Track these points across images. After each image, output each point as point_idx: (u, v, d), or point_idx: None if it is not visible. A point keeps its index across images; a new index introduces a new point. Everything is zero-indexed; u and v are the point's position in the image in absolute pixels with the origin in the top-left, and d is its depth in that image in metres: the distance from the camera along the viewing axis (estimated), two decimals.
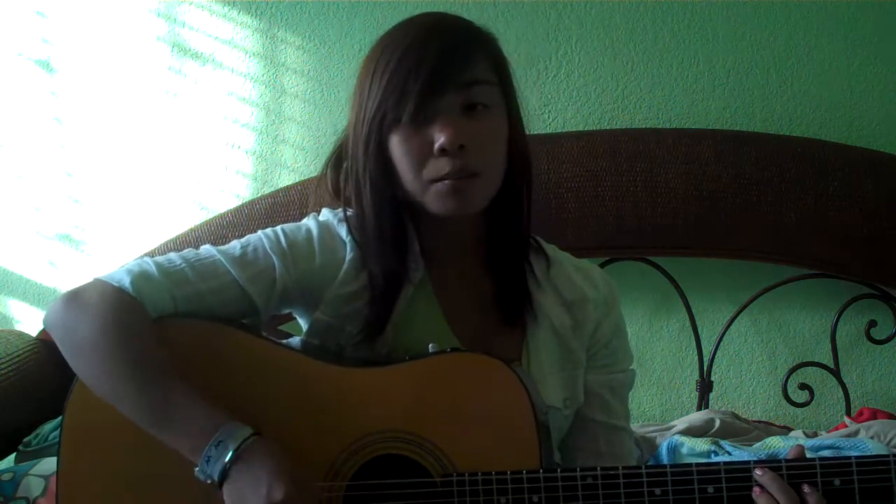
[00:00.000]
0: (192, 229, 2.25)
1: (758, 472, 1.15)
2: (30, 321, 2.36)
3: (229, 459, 1.08)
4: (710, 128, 2.24)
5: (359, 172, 1.23)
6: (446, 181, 1.18)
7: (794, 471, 1.16)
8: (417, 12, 2.27)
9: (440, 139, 1.16)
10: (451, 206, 1.20)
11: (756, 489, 1.15)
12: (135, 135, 2.34)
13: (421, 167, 1.18)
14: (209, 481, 1.10)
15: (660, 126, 2.27)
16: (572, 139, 2.17)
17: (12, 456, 1.99)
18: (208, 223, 2.24)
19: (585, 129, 2.26)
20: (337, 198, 1.31)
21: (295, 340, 1.31)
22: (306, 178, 2.26)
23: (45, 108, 2.35)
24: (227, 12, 2.31)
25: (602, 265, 2.17)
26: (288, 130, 2.33)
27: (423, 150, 1.18)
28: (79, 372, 1.18)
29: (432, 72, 1.16)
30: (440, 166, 1.17)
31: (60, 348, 1.19)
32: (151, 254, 2.09)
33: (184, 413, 1.12)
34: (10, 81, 2.35)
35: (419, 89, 1.16)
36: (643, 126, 2.27)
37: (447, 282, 1.30)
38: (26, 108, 2.35)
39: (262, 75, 2.32)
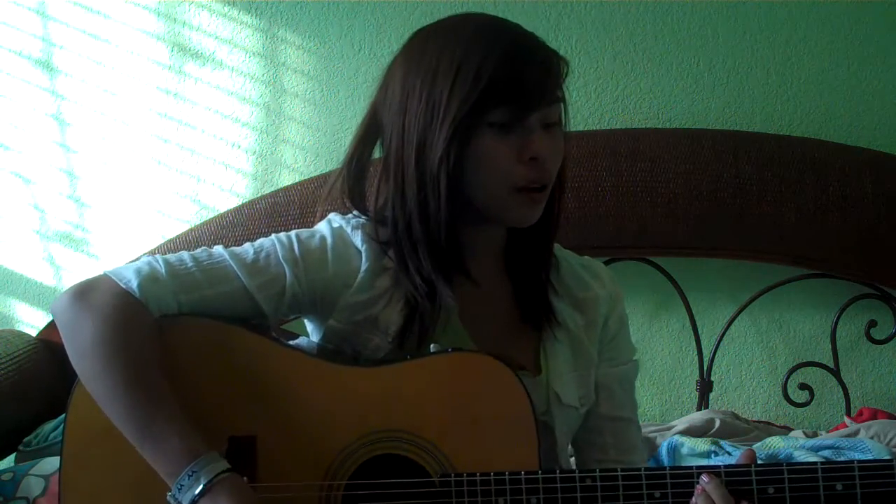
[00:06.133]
0: (192, 229, 2.26)
1: (704, 478, 1.15)
2: (30, 321, 2.37)
3: (199, 492, 1.10)
4: (710, 128, 2.24)
5: (430, 173, 1.20)
6: (532, 192, 1.20)
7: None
8: (417, 13, 2.30)
9: (535, 149, 1.18)
10: (530, 217, 1.23)
11: (698, 487, 1.15)
12: (135, 134, 2.34)
13: (507, 173, 1.19)
14: None
15: (660, 126, 2.27)
16: (572, 139, 2.15)
17: (12, 456, 1.99)
18: (208, 223, 2.24)
19: (585, 129, 2.26)
20: (353, 203, 1.30)
21: (303, 341, 1.31)
22: (306, 177, 2.26)
23: (45, 108, 2.35)
24: (228, 11, 2.31)
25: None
26: (288, 130, 2.33)
27: (510, 158, 1.19)
28: (76, 369, 1.19)
29: (536, 86, 1.18)
30: (527, 174, 1.19)
31: (63, 341, 1.20)
32: (152, 253, 2.09)
33: (165, 437, 1.13)
34: (10, 81, 2.35)
35: (522, 101, 1.17)
36: (643, 126, 2.27)
37: (464, 287, 1.28)
38: (26, 108, 2.35)
39: (263, 75, 2.32)
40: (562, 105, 1.24)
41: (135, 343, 1.16)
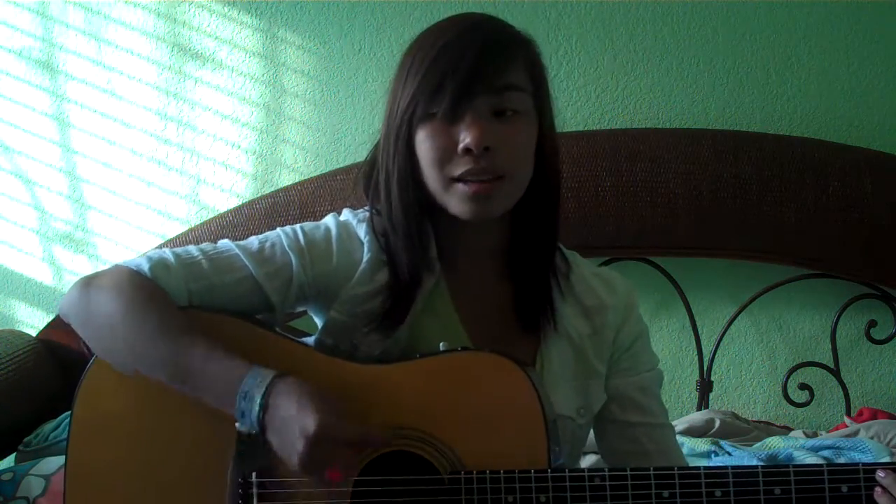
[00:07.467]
0: (191, 229, 2.26)
1: (880, 473, 1.14)
2: (30, 321, 2.37)
3: (257, 414, 1.09)
4: (710, 128, 2.24)
5: (388, 165, 1.23)
6: (470, 183, 1.18)
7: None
8: (417, 12, 2.30)
9: (466, 139, 1.16)
10: (473, 210, 1.19)
11: (877, 490, 1.14)
12: (135, 135, 2.34)
13: (444, 164, 1.18)
14: (254, 432, 1.11)
15: (660, 126, 2.27)
16: (572, 139, 2.17)
17: (12, 456, 1.99)
18: (208, 223, 2.24)
19: (585, 129, 2.26)
20: (365, 195, 1.31)
21: (310, 340, 1.31)
22: (306, 177, 2.26)
23: (45, 108, 2.35)
24: (228, 12, 2.31)
25: (602, 265, 2.16)
26: (288, 130, 2.33)
27: (448, 148, 1.18)
28: (100, 349, 1.19)
29: (469, 72, 1.16)
30: (463, 164, 1.17)
31: (78, 330, 1.20)
32: None
33: (208, 369, 1.13)
34: (10, 81, 2.35)
35: (454, 88, 1.16)
36: (643, 126, 2.27)
37: (465, 285, 1.29)
38: (27, 108, 2.35)
39: (263, 75, 2.32)
40: (535, 96, 1.22)
41: (153, 297, 1.17)
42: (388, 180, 1.24)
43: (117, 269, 1.21)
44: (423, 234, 1.25)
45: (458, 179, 1.18)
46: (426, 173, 1.20)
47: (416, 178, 1.21)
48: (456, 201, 1.20)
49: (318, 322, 1.31)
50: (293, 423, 1.08)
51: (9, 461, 2.00)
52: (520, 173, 1.22)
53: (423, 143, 1.19)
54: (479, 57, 1.17)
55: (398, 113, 1.20)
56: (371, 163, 1.30)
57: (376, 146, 1.30)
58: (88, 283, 1.20)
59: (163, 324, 1.16)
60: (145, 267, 1.19)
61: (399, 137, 1.20)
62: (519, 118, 1.20)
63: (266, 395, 1.10)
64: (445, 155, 1.18)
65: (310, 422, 1.07)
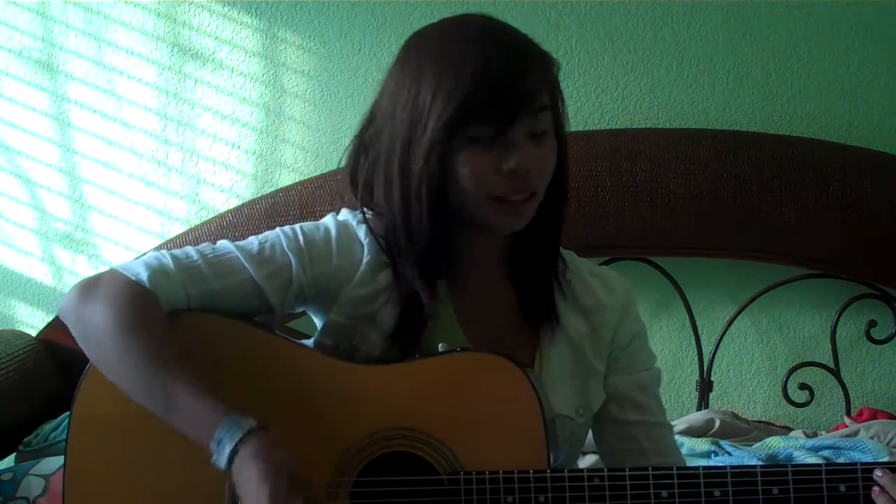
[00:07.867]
0: (191, 229, 2.26)
1: (878, 472, 1.15)
2: (30, 321, 2.37)
3: (225, 463, 1.09)
4: (710, 128, 2.24)
5: (410, 179, 1.21)
6: (508, 202, 1.19)
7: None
8: (417, 12, 2.30)
9: (511, 162, 1.17)
10: (507, 224, 1.22)
11: (875, 489, 1.15)
12: (135, 135, 2.34)
13: (485, 183, 1.19)
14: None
15: (660, 126, 2.27)
16: (572, 139, 2.13)
17: (12, 456, 2.00)
18: (208, 223, 2.24)
19: (585, 129, 2.26)
20: (354, 195, 1.30)
21: (309, 342, 1.31)
22: (306, 177, 2.26)
23: (46, 108, 2.35)
24: (228, 12, 2.31)
25: (602, 265, 2.16)
26: (288, 130, 2.33)
27: (490, 169, 1.18)
28: (92, 359, 1.19)
29: (510, 100, 1.16)
30: (505, 185, 1.19)
31: (73, 335, 1.20)
32: None
33: (187, 406, 1.12)
34: (10, 81, 2.35)
35: (499, 116, 1.16)
36: (643, 126, 2.27)
37: (465, 287, 1.29)
38: (27, 108, 2.35)
39: (263, 75, 2.32)
40: (553, 112, 1.22)
41: (147, 321, 1.16)
42: (407, 195, 1.22)
43: (115, 280, 1.19)
44: (439, 246, 1.24)
45: (499, 198, 1.19)
46: (463, 190, 1.20)
47: (446, 192, 1.20)
48: (492, 216, 1.21)
49: (318, 323, 1.31)
50: (251, 486, 1.08)
51: (9, 461, 2.00)
52: (544, 188, 1.24)
53: (464, 166, 1.18)
54: (517, 84, 1.17)
55: (429, 135, 1.17)
56: (354, 165, 1.29)
57: (360, 140, 1.28)
58: (86, 291, 1.19)
59: (150, 353, 1.15)
60: (144, 276, 1.18)
61: (430, 158, 1.18)
62: (548, 138, 1.22)
63: (234, 451, 1.09)
64: (487, 175, 1.18)
65: (263, 496, 1.07)
